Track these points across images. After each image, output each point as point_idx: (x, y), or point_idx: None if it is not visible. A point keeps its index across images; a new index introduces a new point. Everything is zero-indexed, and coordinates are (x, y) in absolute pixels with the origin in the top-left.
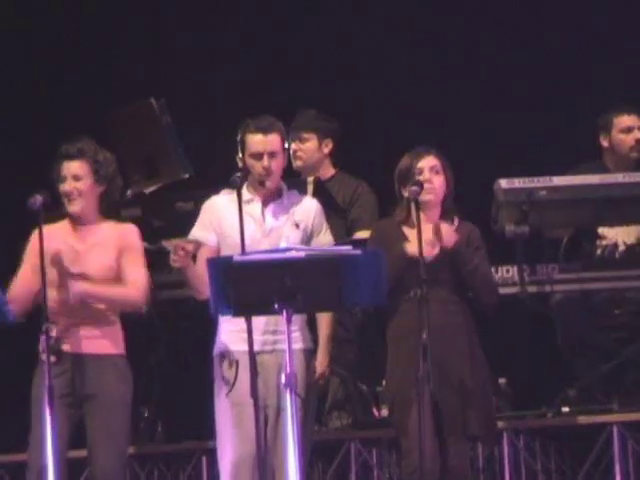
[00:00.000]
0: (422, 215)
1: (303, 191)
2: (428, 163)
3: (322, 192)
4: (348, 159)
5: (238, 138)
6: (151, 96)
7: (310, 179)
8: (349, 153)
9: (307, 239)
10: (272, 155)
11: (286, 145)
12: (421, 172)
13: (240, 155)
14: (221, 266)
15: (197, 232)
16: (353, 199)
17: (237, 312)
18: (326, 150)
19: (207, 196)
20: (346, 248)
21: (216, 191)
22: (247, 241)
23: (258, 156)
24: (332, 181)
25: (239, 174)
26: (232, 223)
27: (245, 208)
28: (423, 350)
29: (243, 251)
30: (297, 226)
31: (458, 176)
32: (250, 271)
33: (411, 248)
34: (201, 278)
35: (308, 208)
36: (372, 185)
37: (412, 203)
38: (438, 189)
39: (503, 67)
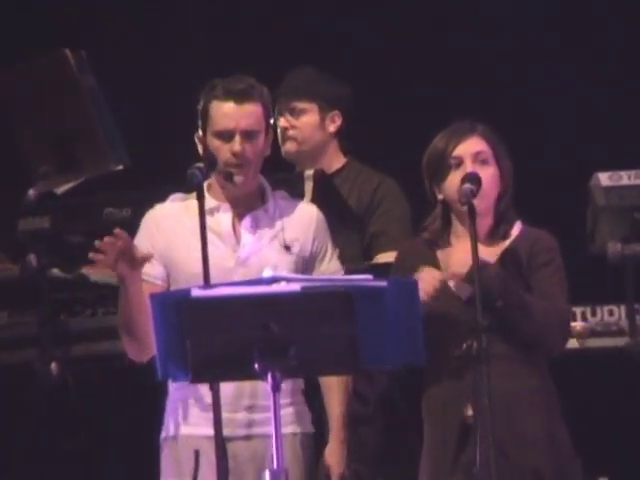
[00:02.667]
0: (460, 228)
1: (298, 191)
2: (470, 148)
3: (327, 192)
4: (360, 144)
5: (199, 107)
6: (66, 45)
7: (309, 172)
8: (362, 136)
9: (304, 268)
10: (248, 135)
11: (271, 121)
12: (460, 162)
13: (200, 133)
14: (172, 305)
15: None
16: (374, 203)
17: (197, 376)
18: (332, 128)
19: (151, 199)
20: (364, 277)
21: (165, 192)
22: (212, 273)
23: (226, 135)
24: (341, 175)
25: (201, 165)
26: (187, 245)
27: (209, 221)
28: (467, 429)
29: (206, 282)
30: (288, 248)
31: (525, 168)
32: (217, 312)
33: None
34: (147, 322)
35: (306, 220)
36: (400, 183)
37: (464, 209)
38: (487, 188)
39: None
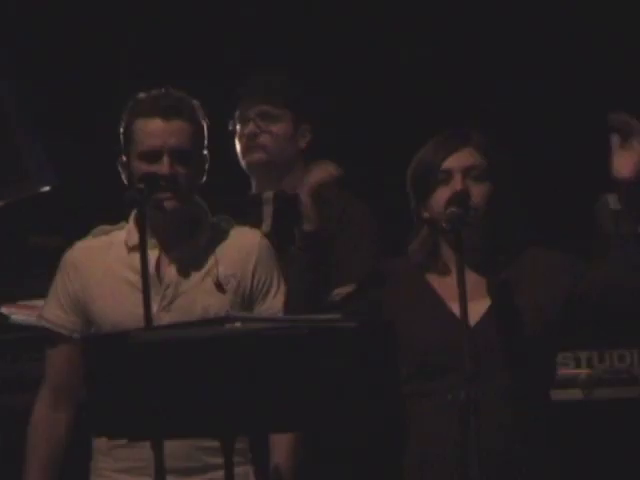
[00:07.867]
0: (451, 253)
1: (254, 216)
2: (461, 161)
3: (290, 218)
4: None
5: (121, 128)
6: None
7: (268, 195)
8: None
9: (244, 307)
10: (178, 155)
11: (205, 142)
12: (449, 177)
13: (124, 158)
14: (108, 349)
15: (52, 314)
16: (337, 228)
17: (136, 433)
18: (303, 143)
19: (84, 227)
20: (328, 317)
21: (106, 216)
22: (128, 322)
23: (153, 156)
24: None
25: (141, 186)
26: (110, 289)
27: (131, 260)
28: None
29: (147, 323)
30: (220, 287)
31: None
32: (160, 358)
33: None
34: None
35: (245, 250)
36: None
37: (448, 236)
38: (480, 209)
39: None
